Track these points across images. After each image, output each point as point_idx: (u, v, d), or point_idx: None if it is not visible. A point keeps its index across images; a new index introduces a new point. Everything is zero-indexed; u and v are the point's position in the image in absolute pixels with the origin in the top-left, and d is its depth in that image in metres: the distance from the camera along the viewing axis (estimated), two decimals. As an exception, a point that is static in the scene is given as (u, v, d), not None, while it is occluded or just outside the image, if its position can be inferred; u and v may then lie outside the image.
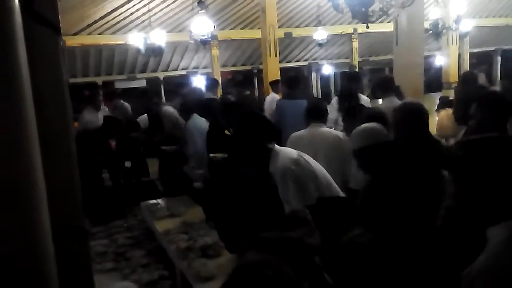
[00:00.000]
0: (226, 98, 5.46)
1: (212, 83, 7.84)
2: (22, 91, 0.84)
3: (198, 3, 8.25)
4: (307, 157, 3.18)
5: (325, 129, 4.30)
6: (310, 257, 1.41)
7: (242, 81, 15.41)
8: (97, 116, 7.60)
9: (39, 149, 0.88)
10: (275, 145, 3.15)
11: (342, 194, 3.03)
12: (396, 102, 5.00)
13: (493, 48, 17.84)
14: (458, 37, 12.15)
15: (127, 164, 6.62)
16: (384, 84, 5.69)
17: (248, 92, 7.56)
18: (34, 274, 0.87)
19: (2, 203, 0.81)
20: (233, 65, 15.47)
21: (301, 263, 1.35)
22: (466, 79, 7.02)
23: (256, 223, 2.59)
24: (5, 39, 0.80)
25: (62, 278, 0.98)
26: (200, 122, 5.80)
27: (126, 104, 8.95)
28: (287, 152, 3.14)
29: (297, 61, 16.19)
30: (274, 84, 7.89)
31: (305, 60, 16.39)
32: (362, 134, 2.71)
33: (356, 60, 15.27)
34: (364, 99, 5.78)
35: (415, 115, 3.14)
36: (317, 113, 4.32)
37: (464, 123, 3.60)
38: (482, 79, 10.54)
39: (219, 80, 13.11)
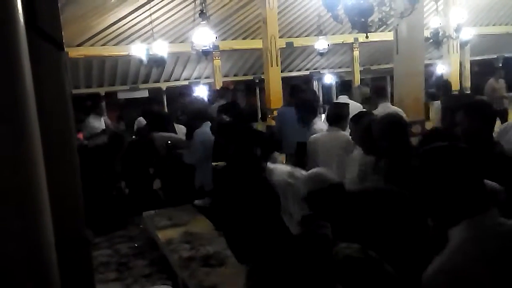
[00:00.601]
0: (222, 118, 5.49)
1: (223, 92, 8.39)
2: (27, 103, 0.86)
3: (199, 14, 8.31)
4: (299, 170, 3.27)
5: (340, 133, 4.45)
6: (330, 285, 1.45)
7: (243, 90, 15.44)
8: (101, 122, 8.00)
9: (42, 159, 0.91)
10: (269, 163, 3.24)
11: None
12: (390, 108, 5.11)
13: (494, 56, 17.88)
14: (458, 46, 12.17)
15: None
16: (377, 91, 5.84)
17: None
18: (37, 281, 0.89)
19: (6, 211, 0.84)
20: (235, 75, 15.54)
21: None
22: (443, 87, 7.16)
23: (265, 232, 2.62)
24: (10, 54, 0.83)
25: (64, 286, 1.00)
26: (209, 131, 5.79)
27: (107, 120, 9.11)
28: (281, 167, 3.22)
29: (299, 70, 16.25)
30: None
31: (307, 70, 16.45)
32: (308, 181, 2.80)
33: (357, 69, 15.31)
34: (357, 106, 5.89)
35: (395, 127, 3.28)
36: (334, 118, 4.58)
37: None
38: (501, 85, 10.55)
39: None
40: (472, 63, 15.54)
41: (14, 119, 0.83)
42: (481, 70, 17.61)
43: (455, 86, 12.36)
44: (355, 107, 5.57)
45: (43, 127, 0.92)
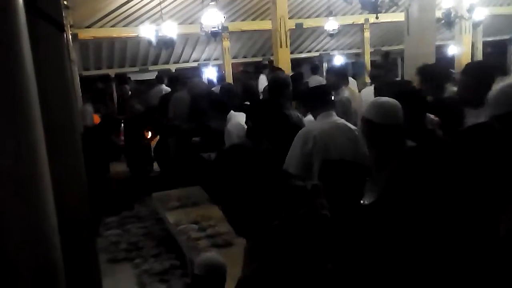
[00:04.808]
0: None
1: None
2: (27, 88, 0.86)
3: (208, -5, 8.25)
4: None
5: None
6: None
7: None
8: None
9: (44, 144, 0.91)
10: None
11: None
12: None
13: (507, 37, 17.58)
14: (471, 26, 11.97)
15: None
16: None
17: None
18: (40, 264, 0.90)
19: (9, 196, 0.84)
20: (244, 57, 15.44)
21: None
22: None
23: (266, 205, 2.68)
24: (10, 36, 0.83)
25: (68, 267, 1.01)
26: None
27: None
28: None
29: (308, 51, 16.10)
30: None
31: (316, 51, 16.29)
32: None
33: (367, 50, 15.13)
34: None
35: None
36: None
37: None
38: None
39: (231, 71, 13.22)
40: (485, 44, 15.30)
41: (15, 104, 0.83)
42: (494, 51, 17.36)
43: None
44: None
45: (44, 112, 0.92)
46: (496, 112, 2.28)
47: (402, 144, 2.58)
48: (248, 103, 5.67)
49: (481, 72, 3.18)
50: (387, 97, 2.76)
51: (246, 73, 13.46)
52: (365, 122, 2.67)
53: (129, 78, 11.19)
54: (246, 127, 4.77)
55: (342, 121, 3.61)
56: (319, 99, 3.66)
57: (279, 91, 4.33)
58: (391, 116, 2.56)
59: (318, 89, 3.89)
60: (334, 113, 3.62)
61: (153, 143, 8.13)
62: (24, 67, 0.86)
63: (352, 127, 3.56)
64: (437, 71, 4.30)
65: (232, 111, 5.14)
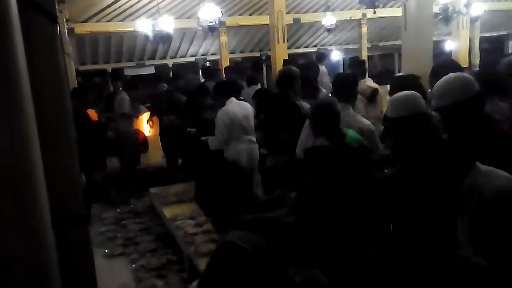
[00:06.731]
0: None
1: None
2: (19, 81, 0.84)
3: (205, -11, 8.21)
4: None
5: None
6: (287, 234, 1.47)
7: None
8: None
9: (37, 138, 0.89)
10: None
11: None
12: None
13: (505, 32, 17.58)
14: (468, 22, 11.96)
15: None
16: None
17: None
18: (34, 260, 0.88)
19: (2, 192, 0.82)
20: (242, 52, 15.41)
21: (279, 240, 1.41)
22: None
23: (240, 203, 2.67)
24: (1, 28, 0.81)
25: (63, 263, 0.99)
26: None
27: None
28: None
29: (306, 47, 16.08)
30: None
31: (314, 46, 16.27)
32: None
33: (365, 45, 15.10)
34: None
35: None
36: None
37: None
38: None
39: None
40: (482, 39, 15.29)
41: (7, 98, 0.81)
42: (491, 47, 17.36)
43: (464, 63, 12.21)
44: None
45: (37, 105, 0.90)
46: (438, 104, 2.25)
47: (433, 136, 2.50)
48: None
49: (446, 72, 3.14)
50: (403, 91, 2.71)
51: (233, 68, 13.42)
52: (387, 121, 2.63)
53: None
54: (231, 113, 4.93)
55: (353, 117, 3.55)
56: (341, 89, 3.62)
57: (289, 82, 4.30)
58: (408, 107, 2.51)
59: (342, 79, 3.79)
60: (350, 107, 3.57)
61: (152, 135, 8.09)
62: (17, 59, 0.84)
63: (362, 123, 3.49)
64: None
65: (233, 98, 5.16)
